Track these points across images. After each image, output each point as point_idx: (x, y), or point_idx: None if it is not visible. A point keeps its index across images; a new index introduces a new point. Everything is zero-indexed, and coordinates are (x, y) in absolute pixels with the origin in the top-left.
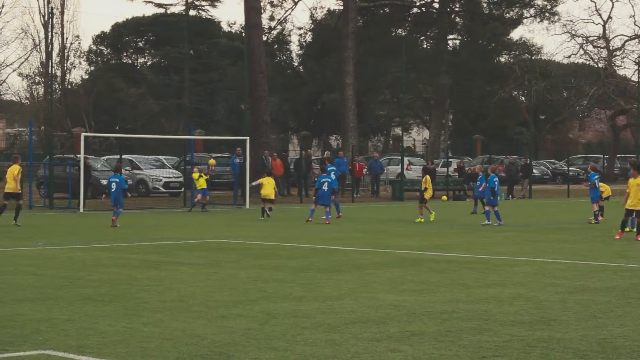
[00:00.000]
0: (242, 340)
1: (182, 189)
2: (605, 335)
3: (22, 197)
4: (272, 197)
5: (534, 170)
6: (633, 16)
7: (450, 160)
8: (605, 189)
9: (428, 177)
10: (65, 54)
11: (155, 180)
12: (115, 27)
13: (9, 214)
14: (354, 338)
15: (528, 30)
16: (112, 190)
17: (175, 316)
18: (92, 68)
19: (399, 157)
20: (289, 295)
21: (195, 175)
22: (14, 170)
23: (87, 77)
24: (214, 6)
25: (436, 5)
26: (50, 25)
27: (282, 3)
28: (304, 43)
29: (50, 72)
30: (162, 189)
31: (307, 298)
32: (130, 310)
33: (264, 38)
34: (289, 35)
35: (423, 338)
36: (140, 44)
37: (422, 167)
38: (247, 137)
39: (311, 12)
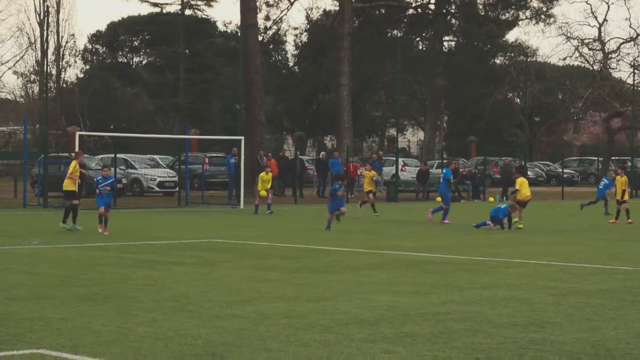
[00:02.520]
0: (236, 340)
1: (177, 189)
2: (598, 338)
3: (77, 197)
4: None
5: (529, 172)
6: (628, 19)
7: (445, 161)
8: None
9: (522, 178)
10: (61, 53)
11: (149, 180)
12: (110, 26)
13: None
14: (348, 339)
15: (523, 32)
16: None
17: (168, 316)
18: (88, 67)
19: (394, 158)
20: (283, 295)
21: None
22: (70, 167)
23: (82, 75)
24: (210, 6)
25: (432, 7)
26: (45, 24)
27: (278, 3)
28: (299, 43)
29: (45, 70)
30: (157, 189)
31: (301, 299)
32: (124, 310)
33: (260, 38)
34: (285, 35)
35: (417, 339)
36: (136, 43)
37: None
38: (242, 137)
39: (307, 13)
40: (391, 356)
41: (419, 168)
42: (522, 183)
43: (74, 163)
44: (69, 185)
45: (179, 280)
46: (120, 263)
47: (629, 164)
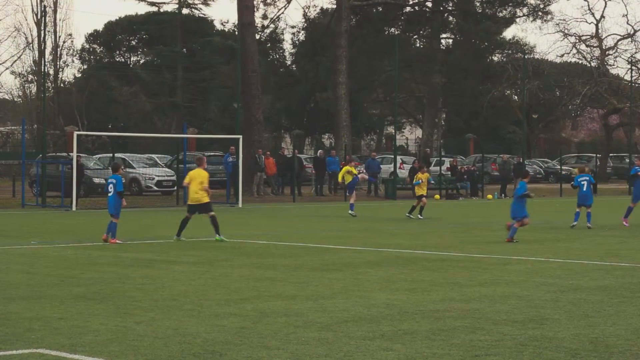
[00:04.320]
0: (235, 339)
1: (175, 188)
2: (597, 334)
3: (212, 208)
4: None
5: (527, 169)
6: (626, 15)
7: (443, 159)
8: None
9: None
10: (58, 52)
11: (147, 179)
12: (108, 25)
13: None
14: (347, 337)
15: (521, 29)
16: (109, 194)
17: (167, 315)
18: (85, 66)
19: (392, 156)
20: (282, 294)
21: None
22: (201, 176)
23: (80, 75)
24: (207, 5)
25: (429, 4)
26: (43, 24)
27: (275, 2)
28: (297, 42)
29: (42, 70)
30: (155, 188)
31: (299, 297)
32: (123, 309)
33: (257, 37)
34: (282, 33)
35: (415, 337)
36: (133, 43)
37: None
38: (240, 136)
39: (304, 11)
40: (390, 353)
41: (411, 165)
42: None
43: (205, 173)
44: (205, 196)
45: (178, 279)
46: (119, 262)
47: (627, 160)
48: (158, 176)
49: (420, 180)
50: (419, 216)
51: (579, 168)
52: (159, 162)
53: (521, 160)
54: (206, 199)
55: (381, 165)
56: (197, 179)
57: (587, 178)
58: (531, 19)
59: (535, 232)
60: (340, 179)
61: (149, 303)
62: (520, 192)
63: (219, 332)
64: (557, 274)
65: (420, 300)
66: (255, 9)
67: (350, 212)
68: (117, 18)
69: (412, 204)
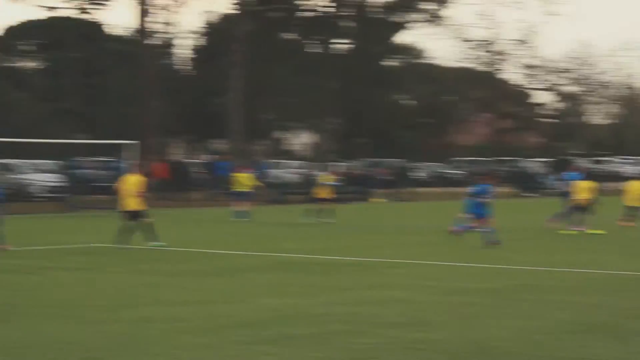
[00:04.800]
0: (117, 345)
1: (65, 194)
2: (481, 336)
3: (145, 214)
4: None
5: (417, 174)
6: (519, 21)
7: (335, 163)
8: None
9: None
10: None
11: (35, 185)
12: (5, 30)
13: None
14: (231, 342)
15: (416, 35)
16: None
17: (47, 322)
18: None
19: (282, 161)
20: (167, 299)
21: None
22: (133, 181)
23: None
24: (104, 10)
25: (326, 10)
26: None
27: (173, 7)
28: (193, 46)
29: None
30: (44, 194)
31: (185, 302)
32: (2, 317)
33: (153, 41)
34: (179, 38)
35: (298, 341)
36: (30, 48)
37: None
38: (139, 142)
39: (202, 16)
40: (272, 357)
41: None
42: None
43: (142, 179)
44: (131, 203)
45: (61, 285)
46: (2, 269)
47: (519, 165)
48: (48, 182)
49: (324, 183)
50: (318, 219)
51: (478, 176)
52: (49, 167)
53: (409, 165)
54: (131, 206)
55: (271, 170)
56: (126, 186)
57: (483, 188)
58: (427, 24)
59: (423, 236)
60: (243, 188)
61: (28, 310)
62: (476, 192)
63: (101, 338)
64: (443, 277)
65: (305, 304)
66: (153, 14)
67: (238, 219)
68: (15, 23)
69: (314, 208)
